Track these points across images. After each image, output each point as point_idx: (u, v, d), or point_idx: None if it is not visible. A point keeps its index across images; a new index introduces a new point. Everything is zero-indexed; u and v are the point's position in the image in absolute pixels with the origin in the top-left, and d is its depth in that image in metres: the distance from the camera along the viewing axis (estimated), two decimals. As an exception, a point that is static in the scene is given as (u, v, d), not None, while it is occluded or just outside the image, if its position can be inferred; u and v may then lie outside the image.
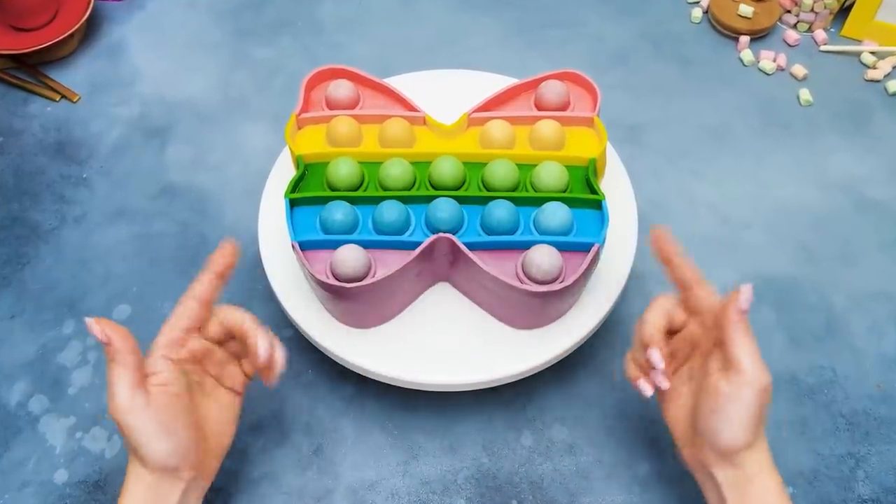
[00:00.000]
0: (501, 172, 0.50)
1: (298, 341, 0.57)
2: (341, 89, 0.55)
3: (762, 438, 0.41)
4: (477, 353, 0.50)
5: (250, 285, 0.61)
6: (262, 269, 0.53)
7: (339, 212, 0.48)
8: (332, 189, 0.50)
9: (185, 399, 0.42)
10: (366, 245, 0.48)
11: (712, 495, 0.42)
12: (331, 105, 0.55)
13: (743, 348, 0.39)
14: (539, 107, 0.55)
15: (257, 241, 0.55)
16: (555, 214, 0.48)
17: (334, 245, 0.48)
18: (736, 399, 0.39)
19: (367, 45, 0.78)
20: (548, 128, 0.52)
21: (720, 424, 0.40)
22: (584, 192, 0.51)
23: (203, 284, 0.44)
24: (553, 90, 0.54)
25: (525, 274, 0.47)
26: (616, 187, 0.56)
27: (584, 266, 0.47)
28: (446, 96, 0.56)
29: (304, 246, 0.48)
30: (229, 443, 0.46)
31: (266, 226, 0.55)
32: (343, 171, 0.50)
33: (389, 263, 0.48)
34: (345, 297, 0.47)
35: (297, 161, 0.52)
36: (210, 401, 0.45)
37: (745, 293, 0.40)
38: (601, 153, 0.52)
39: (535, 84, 0.55)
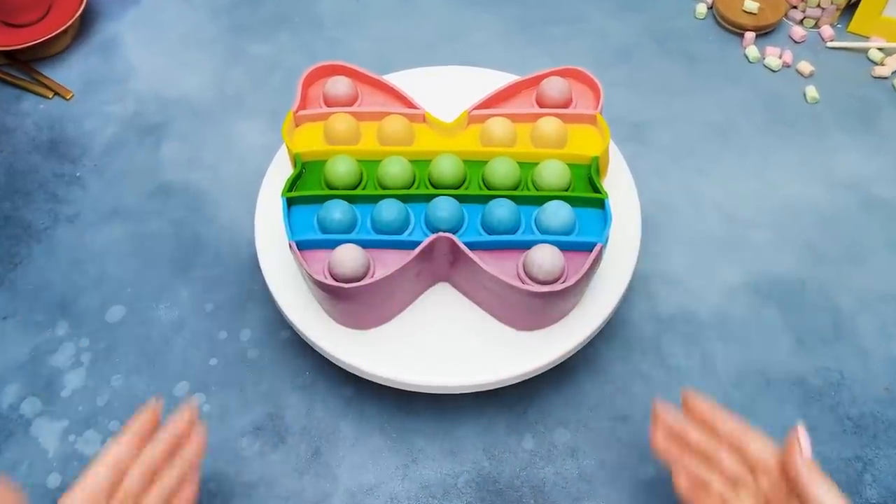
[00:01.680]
0: (502, 171, 0.49)
1: (296, 342, 0.57)
2: (339, 86, 0.54)
3: None
4: (477, 354, 0.49)
5: (247, 286, 0.60)
6: (259, 269, 0.52)
7: (337, 211, 0.48)
8: (330, 188, 0.50)
9: None
10: (364, 245, 0.47)
11: None
12: (329, 102, 0.54)
13: (829, 496, 0.38)
14: (541, 104, 0.54)
15: (254, 240, 0.54)
16: (556, 213, 0.47)
17: (332, 245, 0.47)
18: None
19: (366, 41, 0.77)
20: (550, 125, 0.51)
21: None
22: (586, 190, 0.50)
23: (120, 447, 0.40)
24: (555, 87, 0.53)
25: (526, 274, 0.46)
26: (619, 186, 0.55)
27: (587, 266, 0.46)
28: (446, 93, 0.56)
29: (302, 245, 0.47)
30: None
31: (263, 225, 0.54)
32: (341, 169, 0.49)
33: (388, 263, 0.47)
34: (343, 297, 0.46)
35: (295, 159, 0.52)
36: None
37: (804, 441, 0.39)
38: (604, 151, 0.52)
39: (536, 81, 0.55)
